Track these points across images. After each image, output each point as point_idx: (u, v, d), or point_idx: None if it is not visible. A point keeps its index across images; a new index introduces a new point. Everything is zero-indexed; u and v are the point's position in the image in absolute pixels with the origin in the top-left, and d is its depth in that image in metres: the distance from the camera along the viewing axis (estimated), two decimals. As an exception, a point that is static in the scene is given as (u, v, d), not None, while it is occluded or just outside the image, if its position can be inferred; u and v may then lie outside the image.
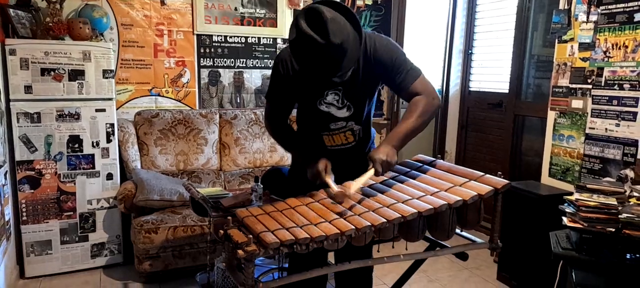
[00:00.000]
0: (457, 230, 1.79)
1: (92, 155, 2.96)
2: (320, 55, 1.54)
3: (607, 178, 2.55)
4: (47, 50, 2.78)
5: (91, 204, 3.01)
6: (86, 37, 2.93)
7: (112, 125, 3.00)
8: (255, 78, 3.79)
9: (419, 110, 1.71)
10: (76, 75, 2.86)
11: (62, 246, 2.97)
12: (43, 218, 2.90)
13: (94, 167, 2.98)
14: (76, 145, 2.92)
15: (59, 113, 2.85)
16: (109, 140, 3.00)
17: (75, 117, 2.89)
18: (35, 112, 2.80)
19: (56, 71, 2.81)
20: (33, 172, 2.84)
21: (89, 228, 3.02)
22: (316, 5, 1.55)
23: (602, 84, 2.67)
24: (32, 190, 2.86)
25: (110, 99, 2.98)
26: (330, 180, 1.70)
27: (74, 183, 2.95)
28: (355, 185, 1.63)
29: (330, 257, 1.88)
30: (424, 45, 4.15)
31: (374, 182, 1.80)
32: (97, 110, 2.94)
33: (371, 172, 1.64)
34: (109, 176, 3.03)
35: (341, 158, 1.85)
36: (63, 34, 2.91)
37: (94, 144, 2.96)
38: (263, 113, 3.46)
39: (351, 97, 1.80)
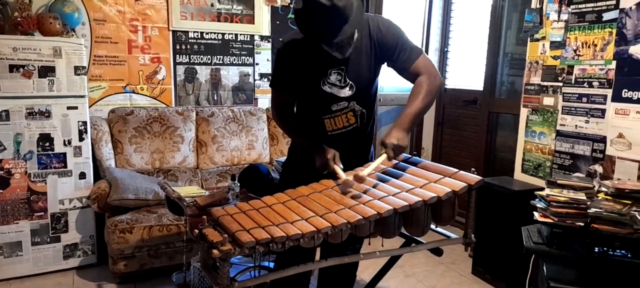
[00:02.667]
0: (432, 226, 1.82)
1: (64, 154, 2.89)
2: (323, 17, 1.59)
3: (577, 174, 2.63)
4: (15, 46, 2.70)
5: (63, 204, 2.94)
6: (57, 32, 2.85)
7: (84, 123, 2.93)
8: (232, 75, 3.76)
9: (424, 91, 1.74)
10: (46, 71, 2.78)
11: (33, 247, 2.89)
12: (12, 219, 2.82)
13: (66, 166, 2.91)
14: (47, 144, 2.84)
15: (28, 111, 2.78)
16: (81, 139, 2.93)
17: (46, 115, 2.82)
18: (4, 110, 2.72)
19: (25, 68, 2.73)
20: (2, 172, 2.76)
21: (61, 229, 2.95)
22: None
23: (572, 82, 2.74)
24: (1, 190, 2.77)
25: (82, 97, 2.91)
26: (339, 168, 1.76)
27: (45, 183, 2.87)
28: (367, 171, 1.70)
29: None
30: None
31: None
32: (68, 108, 2.87)
33: (383, 157, 1.71)
34: (82, 175, 2.96)
35: (342, 144, 1.88)
36: (32, 29, 2.83)
37: (66, 143, 2.89)
38: (240, 110, 3.44)
39: (353, 76, 1.83)
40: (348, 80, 1.83)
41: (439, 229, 1.91)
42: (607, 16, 2.53)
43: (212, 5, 3.60)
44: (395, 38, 1.80)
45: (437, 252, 1.89)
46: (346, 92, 1.84)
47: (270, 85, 1.97)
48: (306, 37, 1.69)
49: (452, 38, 4.08)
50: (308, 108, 1.93)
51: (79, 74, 2.87)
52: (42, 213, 2.89)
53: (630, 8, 2.42)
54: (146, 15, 3.41)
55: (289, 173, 2.08)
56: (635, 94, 2.41)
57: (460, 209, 1.76)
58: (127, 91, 3.42)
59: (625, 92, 2.46)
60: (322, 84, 1.82)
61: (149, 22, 3.42)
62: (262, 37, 3.80)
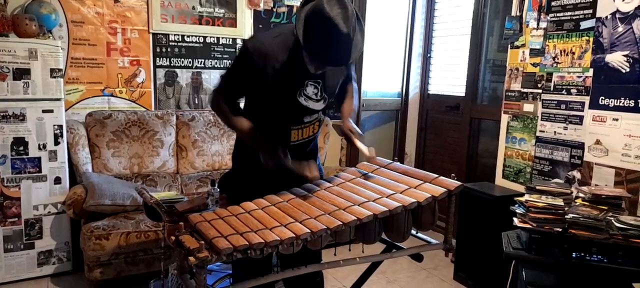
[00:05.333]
0: (413, 232, 1.81)
1: (39, 159, 2.82)
2: (335, 42, 1.55)
3: (556, 180, 2.66)
4: (-12, 47, 2.63)
5: (38, 210, 2.86)
6: (33, 34, 2.79)
7: (60, 126, 2.86)
8: (213, 79, 3.72)
9: (356, 94, 2.01)
10: (21, 74, 2.71)
11: (6, 254, 2.81)
12: (-16, 225, 2.74)
13: (40, 171, 2.83)
14: (21, 148, 2.77)
15: (2, 114, 2.70)
16: (57, 143, 2.86)
17: (20, 118, 2.74)
18: (-24, 112, 2.64)
19: (0, 69, 2.66)
20: (-28, 176, 2.68)
21: (35, 235, 2.87)
22: None
23: (551, 89, 2.78)
24: (-28, 196, 2.69)
25: (58, 100, 2.84)
26: (290, 163, 1.71)
27: (19, 188, 2.79)
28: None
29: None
30: (384, 48, 4.20)
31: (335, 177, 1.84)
32: (44, 111, 2.80)
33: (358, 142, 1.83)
34: (57, 180, 2.89)
35: (300, 152, 1.85)
36: (7, 30, 2.76)
37: (41, 147, 2.82)
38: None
39: (328, 90, 1.82)
40: (324, 94, 1.81)
41: (419, 235, 1.90)
42: (584, 25, 2.58)
43: (193, 8, 3.56)
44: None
45: (418, 257, 1.88)
46: (320, 105, 1.82)
47: (222, 76, 1.84)
48: (307, 48, 1.60)
49: (435, 44, 4.11)
50: (276, 118, 1.81)
51: (55, 77, 2.80)
52: (16, 219, 2.81)
53: (606, 17, 2.47)
54: (126, 18, 3.35)
55: (240, 186, 1.93)
56: (611, 101, 2.45)
57: (441, 214, 1.76)
58: (105, 94, 3.36)
59: (602, 99, 2.50)
60: (298, 95, 1.76)
61: (128, 24, 3.37)
62: (244, 41, 3.77)
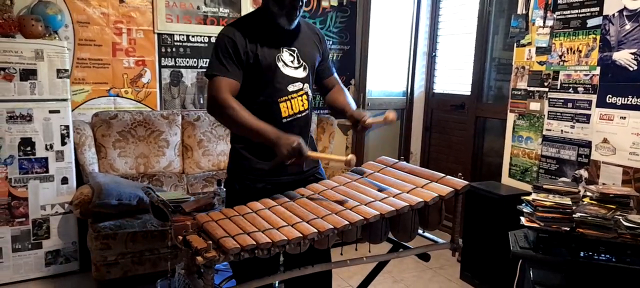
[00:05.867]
0: (420, 231, 1.81)
1: (46, 159, 2.83)
2: None
3: (563, 179, 2.65)
4: (-5, 48, 2.64)
5: (45, 210, 2.87)
6: (39, 35, 2.80)
7: (67, 127, 2.87)
8: (219, 79, 3.72)
9: (346, 90, 2.06)
10: (28, 74, 2.73)
11: (14, 254, 2.82)
12: (-8, 225, 2.76)
13: (47, 171, 2.85)
14: (28, 148, 2.78)
15: (9, 114, 2.71)
16: (63, 143, 2.87)
17: (27, 118, 2.76)
18: (-17, 113, 2.66)
19: (6, 71, 2.67)
20: (-19, 177, 2.70)
21: (42, 235, 2.88)
22: None
23: (558, 87, 2.76)
24: (-20, 196, 2.71)
25: (64, 100, 2.85)
26: (310, 152, 1.68)
27: (26, 188, 2.81)
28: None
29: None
30: (389, 47, 4.19)
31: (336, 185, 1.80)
32: (50, 112, 2.81)
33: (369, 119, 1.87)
34: (64, 180, 2.90)
35: (295, 132, 1.77)
36: (14, 31, 2.77)
37: (48, 147, 2.83)
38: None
39: (305, 57, 1.87)
40: (301, 61, 1.86)
41: (426, 234, 1.89)
42: (591, 23, 2.56)
43: (198, 8, 3.57)
44: (325, 42, 2.01)
45: (425, 257, 1.88)
46: (301, 73, 1.86)
47: (211, 73, 1.75)
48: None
49: (440, 42, 4.10)
50: (262, 92, 1.78)
51: (61, 77, 2.82)
52: (23, 219, 2.83)
53: (613, 15, 2.45)
54: (131, 18, 3.36)
55: (240, 190, 1.87)
56: (619, 100, 2.43)
57: (448, 214, 1.75)
58: (111, 94, 3.37)
59: (609, 97, 2.48)
60: (276, 60, 1.80)
61: (133, 24, 3.38)
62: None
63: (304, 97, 1.87)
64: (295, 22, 1.81)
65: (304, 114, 1.88)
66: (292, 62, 1.84)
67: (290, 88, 1.82)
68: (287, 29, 1.80)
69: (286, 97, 1.82)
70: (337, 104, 1.99)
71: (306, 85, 1.87)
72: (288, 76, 1.82)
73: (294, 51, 1.85)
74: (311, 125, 2.02)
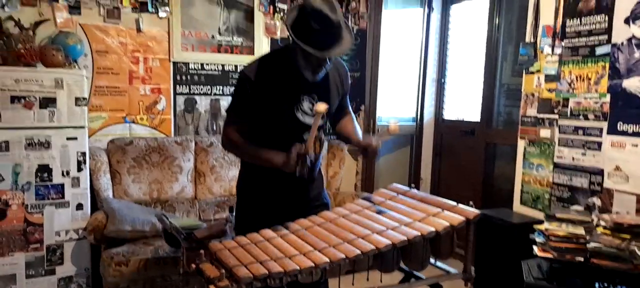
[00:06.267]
0: (431, 260, 1.80)
1: (62, 185, 2.88)
2: (326, 31, 1.65)
3: (576, 207, 2.62)
4: (17, 78, 2.72)
5: (59, 236, 2.91)
6: (59, 64, 2.89)
7: (83, 153, 2.94)
8: (231, 106, 3.78)
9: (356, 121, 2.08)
10: (47, 102, 2.80)
11: (28, 280, 2.85)
12: (8, 251, 2.79)
13: (63, 197, 2.90)
14: (45, 175, 2.84)
15: (28, 141, 2.78)
16: (80, 169, 2.93)
17: (46, 145, 2.82)
18: (4, 140, 2.72)
19: (27, 99, 2.75)
20: (-1, 203, 2.75)
21: (56, 261, 2.92)
22: None
23: (568, 114, 2.77)
24: (-2, 222, 2.76)
25: (82, 127, 2.92)
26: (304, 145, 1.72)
27: (42, 214, 2.85)
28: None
29: None
30: (398, 74, 4.24)
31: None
32: (68, 139, 2.88)
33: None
34: (79, 206, 2.95)
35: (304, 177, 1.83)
36: (35, 61, 2.86)
37: (64, 173, 2.89)
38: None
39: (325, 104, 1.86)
40: None
41: (438, 264, 1.89)
42: (599, 51, 2.58)
43: (213, 37, 3.66)
44: (348, 84, 2.00)
45: (437, 287, 1.87)
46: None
47: (228, 110, 1.88)
48: (300, 44, 1.67)
49: (449, 69, 4.14)
50: (277, 137, 1.83)
51: (79, 105, 2.89)
52: (38, 245, 2.86)
53: (622, 43, 2.47)
54: (148, 47, 3.46)
55: (248, 218, 1.93)
56: (630, 127, 2.43)
57: (460, 241, 1.75)
58: (126, 121, 3.44)
59: (620, 124, 2.48)
60: (295, 110, 1.82)
61: (150, 53, 3.47)
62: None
63: (317, 143, 1.88)
64: (320, 75, 1.79)
65: (313, 157, 1.90)
66: (311, 110, 1.83)
67: (305, 136, 1.84)
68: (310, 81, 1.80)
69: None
70: (344, 132, 2.02)
71: (321, 131, 1.88)
72: (305, 124, 1.83)
73: (314, 98, 1.84)
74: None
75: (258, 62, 1.84)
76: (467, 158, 3.87)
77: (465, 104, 3.95)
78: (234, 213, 2.23)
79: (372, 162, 4.01)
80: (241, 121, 1.85)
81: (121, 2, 3.32)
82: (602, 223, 2.18)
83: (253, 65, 1.82)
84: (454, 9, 4.08)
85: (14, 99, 2.72)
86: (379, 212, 1.79)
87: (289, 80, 1.79)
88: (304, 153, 1.71)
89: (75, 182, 2.92)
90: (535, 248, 2.16)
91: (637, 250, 1.98)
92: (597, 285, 2.03)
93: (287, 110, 1.81)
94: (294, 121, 1.82)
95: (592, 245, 2.02)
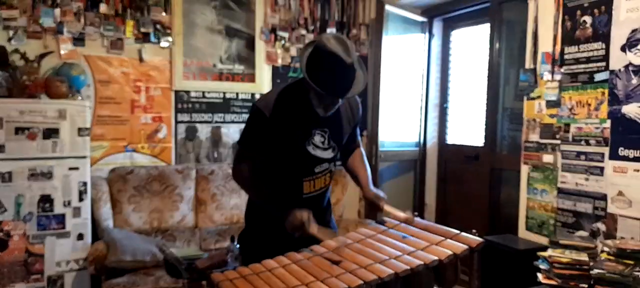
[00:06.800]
0: (436, 289, 1.78)
1: (63, 215, 2.89)
2: (340, 73, 1.65)
3: (580, 232, 2.60)
4: (22, 110, 2.76)
5: (60, 266, 2.89)
6: (63, 95, 2.92)
7: (85, 183, 2.94)
8: (233, 132, 3.80)
9: (366, 159, 2.06)
10: (50, 133, 2.83)
11: (27, 312, 2.83)
12: (8, 282, 2.77)
13: (64, 227, 2.89)
14: (47, 205, 2.84)
15: (31, 172, 2.80)
16: (81, 199, 2.93)
17: (48, 176, 2.84)
18: (7, 171, 2.74)
19: (30, 130, 2.78)
20: (1, 234, 2.75)
21: (56, 292, 2.90)
22: (336, 35, 1.70)
23: (570, 140, 2.77)
24: (-1, 252, 2.75)
25: (84, 157, 2.94)
26: (315, 230, 1.72)
27: (43, 245, 2.85)
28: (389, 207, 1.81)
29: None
30: (400, 99, 4.25)
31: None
32: (70, 169, 2.90)
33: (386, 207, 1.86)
34: (80, 236, 2.94)
35: (314, 206, 1.84)
36: (39, 92, 2.90)
37: (66, 203, 2.89)
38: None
39: (335, 138, 1.86)
40: (331, 142, 1.86)
41: (442, 292, 1.86)
42: (598, 77, 2.60)
43: (214, 65, 3.70)
44: (360, 116, 2.00)
45: (441, 316, 1.84)
46: (329, 154, 1.86)
47: (240, 142, 1.89)
48: (314, 86, 1.67)
49: (451, 94, 4.16)
50: (287, 170, 1.85)
51: (82, 135, 2.92)
52: (39, 276, 2.85)
53: (620, 70, 2.49)
54: (149, 76, 3.50)
55: (255, 245, 1.94)
56: (631, 152, 2.43)
57: (466, 268, 1.73)
58: (128, 150, 3.45)
59: (621, 150, 2.48)
60: (306, 144, 1.82)
61: (152, 82, 3.51)
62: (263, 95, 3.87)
63: (328, 175, 1.90)
64: (332, 111, 1.79)
65: (323, 189, 1.91)
66: (322, 143, 1.84)
67: (317, 169, 1.85)
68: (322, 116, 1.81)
69: (311, 177, 1.86)
70: (355, 174, 2.01)
71: (332, 164, 1.90)
72: (316, 157, 1.84)
73: (325, 132, 1.85)
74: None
75: (274, 98, 1.81)
76: (472, 183, 3.85)
77: (468, 128, 3.96)
78: (237, 243, 2.22)
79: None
80: (254, 156, 1.85)
81: (124, 33, 3.37)
82: (606, 249, 2.16)
83: (268, 100, 1.81)
84: (455, 34, 4.12)
85: (18, 130, 2.75)
86: (404, 238, 1.77)
87: (302, 116, 1.79)
88: (305, 230, 1.72)
89: (77, 212, 2.92)
90: (539, 275, 2.13)
91: (642, 277, 1.95)
92: (603, 312, 2.00)
93: (299, 144, 1.81)
94: (304, 155, 1.82)
95: (595, 271, 2.00)
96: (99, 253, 2.77)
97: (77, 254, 2.93)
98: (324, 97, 1.71)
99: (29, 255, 2.82)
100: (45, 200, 2.84)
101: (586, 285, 2.00)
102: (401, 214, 1.82)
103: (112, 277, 2.73)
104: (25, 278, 2.82)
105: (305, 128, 1.81)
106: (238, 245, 2.24)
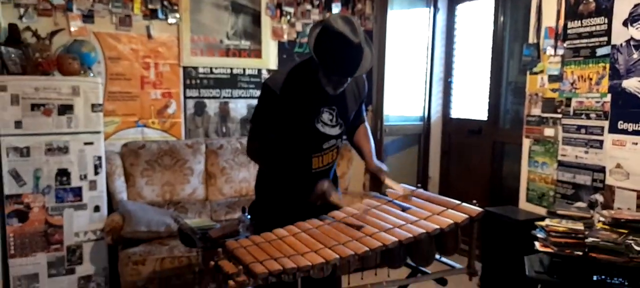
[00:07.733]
0: (437, 256, 1.88)
1: (80, 188, 2.99)
2: (348, 52, 1.70)
3: (578, 204, 2.69)
4: (37, 86, 2.83)
5: (78, 237, 3.02)
6: (75, 72, 2.99)
7: (99, 157, 3.04)
8: (240, 107, 3.88)
9: (370, 134, 2.14)
10: (65, 109, 2.91)
11: (50, 279, 2.97)
12: (30, 251, 2.91)
13: (81, 200, 3.01)
14: (64, 178, 2.95)
15: (48, 147, 2.89)
16: (96, 173, 3.04)
17: (64, 150, 2.93)
18: (25, 146, 2.84)
19: (46, 106, 2.86)
20: (21, 206, 2.86)
21: (75, 261, 3.03)
22: (343, 15, 1.76)
23: (571, 114, 2.83)
24: (20, 224, 2.87)
25: (98, 132, 3.03)
26: (336, 198, 1.84)
27: (62, 216, 2.96)
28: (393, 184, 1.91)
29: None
30: (405, 73, 4.29)
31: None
32: (85, 144, 2.99)
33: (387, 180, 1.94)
34: (96, 208, 3.06)
35: (320, 177, 1.93)
36: (52, 69, 2.97)
37: (82, 177, 3.00)
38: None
39: (342, 115, 1.94)
40: (339, 119, 1.94)
41: (443, 259, 1.97)
42: (600, 52, 2.64)
43: (221, 41, 3.75)
44: (366, 93, 2.06)
45: (442, 281, 1.94)
46: (337, 131, 1.94)
47: (252, 120, 1.96)
48: (322, 66, 1.74)
49: (456, 68, 4.19)
50: (298, 146, 1.92)
51: (95, 111, 3.00)
52: (58, 245, 2.98)
53: (621, 45, 2.53)
54: (158, 53, 3.55)
55: (265, 215, 2.04)
56: (630, 126, 2.49)
57: (466, 237, 1.82)
58: (139, 125, 3.54)
59: (621, 124, 2.54)
60: (315, 122, 1.90)
61: (161, 59, 3.57)
62: (269, 71, 3.93)
63: (335, 151, 1.98)
64: (340, 90, 1.85)
65: (331, 164, 2.00)
66: (330, 121, 1.92)
67: (325, 145, 1.93)
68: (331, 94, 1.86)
69: (319, 153, 1.94)
70: (359, 148, 2.09)
71: (339, 140, 1.97)
72: (324, 134, 1.92)
73: (333, 110, 1.92)
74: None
75: (284, 77, 1.87)
76: (474, 156, 3.92)
77: (472, 102, 4.01)
78: (248, 213, 2.32)
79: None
80: (266, 133, 1.92)
81: (132, 10, 3.42)
82: (601, 219, 2.25)
83: (278, 79, 1.87)
84: (460, 8, 4.13)
85: (34, 107, 2.83)
86: (404, 209, 1.86)
87: (311, 94, 1.86)
88: (326, 198, 1.84)
89: (93, 185, 3.03)
90: (536, 243, 2.23)
91: (633, 244, 2.04)
92: (595, 277, 2.10)
93: (308, 122, 1.89)
94: (314, 132, 1.90)
95: (590, 240, 2.09)
96: (115, 224, 2.89)
97: (94, 225, 3.06)
98: (333, 77, 1.77)
99: (49, 226, 2.94)
100: (62, 174, 2.94)
101: (581, 253, 2.10)
102: (400, 191, 1.91)
103: (128, 247, 2.85)
104: (46, 248, 2.95)
105: (314, 106, 1.88)
106: (249, 216, 2.34)
